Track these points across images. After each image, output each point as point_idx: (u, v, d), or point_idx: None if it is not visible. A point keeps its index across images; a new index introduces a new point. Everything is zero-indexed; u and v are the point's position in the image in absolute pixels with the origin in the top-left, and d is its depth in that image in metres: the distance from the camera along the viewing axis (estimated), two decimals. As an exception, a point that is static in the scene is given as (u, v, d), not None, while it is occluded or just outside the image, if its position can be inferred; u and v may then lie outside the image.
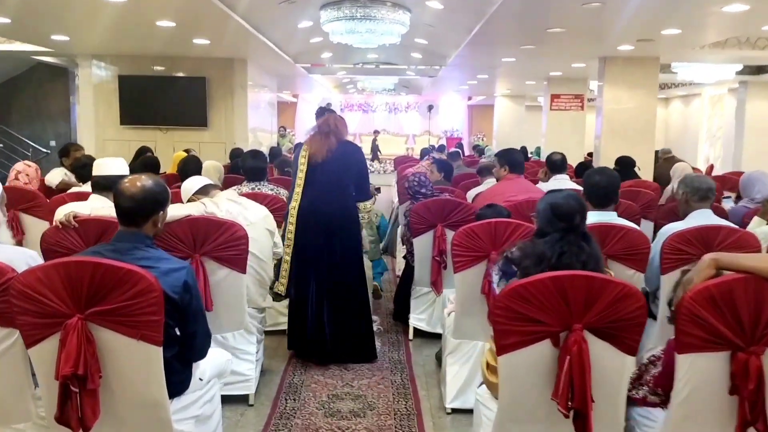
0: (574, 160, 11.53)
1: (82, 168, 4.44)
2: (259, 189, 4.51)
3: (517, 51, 8.11)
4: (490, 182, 5.27)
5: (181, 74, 9.45)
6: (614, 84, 8.61)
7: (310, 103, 19.99)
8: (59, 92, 11.72)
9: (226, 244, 3.12)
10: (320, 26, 7.32)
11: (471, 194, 5.16)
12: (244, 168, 4.59)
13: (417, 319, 4.50)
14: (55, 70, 11.40)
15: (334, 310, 3.80)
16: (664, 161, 8.97)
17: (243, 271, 3.20)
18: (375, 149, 17.85)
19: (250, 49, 8.70)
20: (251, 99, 9.89)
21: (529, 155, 12.53)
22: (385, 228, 6.68)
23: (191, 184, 3.41)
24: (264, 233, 3.42)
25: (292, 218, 3.80)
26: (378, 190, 5.86)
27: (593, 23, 6.23)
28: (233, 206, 3.34)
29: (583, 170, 6.48)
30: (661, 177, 7.77)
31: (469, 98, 20.71)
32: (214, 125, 9.57)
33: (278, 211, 4.25)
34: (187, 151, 7.50)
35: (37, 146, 11.55)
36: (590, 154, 15.87)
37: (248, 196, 4.11)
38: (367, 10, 6.81)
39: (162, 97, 9.37)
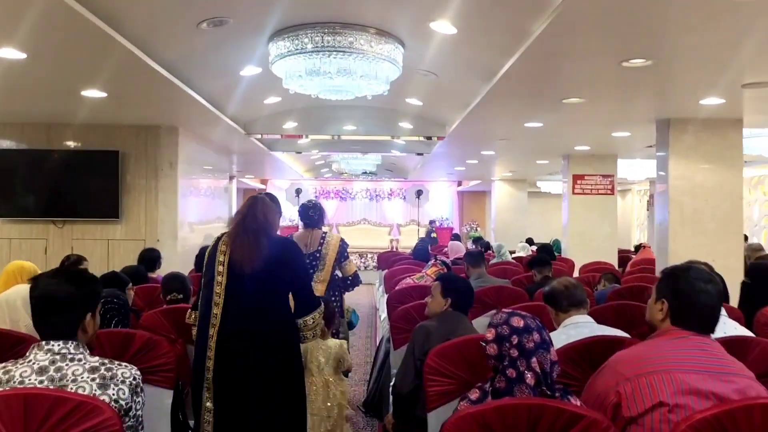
0: (606, 256, 9.10)
1: None
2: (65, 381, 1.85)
3: (553, 108, 5.72)
4: (581, 324, 2.65)
5: (82, 147, 6.90)
6: (684, 156, 6.22)
7: (281, 190, 17.53)
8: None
9: None
10: (272, 73, 4.87)
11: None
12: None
13: None
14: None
15: None
16: (755, 261, 6.49)
17: None
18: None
19: (177, 110, 6.23)
20: (187, 182, 7.33)
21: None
22: (355, 323, 4.77)
23: None
24: None
25: (210, 350, 2.54)
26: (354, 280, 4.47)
27: (708, 48, 3.85)
28: None
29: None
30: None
31: (459, 183, 18.49)
32: (129, 216, 6.93)
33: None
34: (72, 261, 4.83)
35: None
36: (639, 247, 13.48)
37: None
38: (339, 39, 4.39)
39: (56, 179, 6.77)
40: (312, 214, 4.21)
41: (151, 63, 4.47)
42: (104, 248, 6.91)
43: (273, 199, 2.88)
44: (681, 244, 6.16)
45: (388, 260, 8.94)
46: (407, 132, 8.13)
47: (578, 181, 9.36)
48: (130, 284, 3.74)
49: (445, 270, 4.78)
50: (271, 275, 2.58)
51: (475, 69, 5.00)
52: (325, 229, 4.50)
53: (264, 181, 18.14)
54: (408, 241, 17.80)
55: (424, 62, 5.13)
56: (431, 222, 15.88)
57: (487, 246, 10.14)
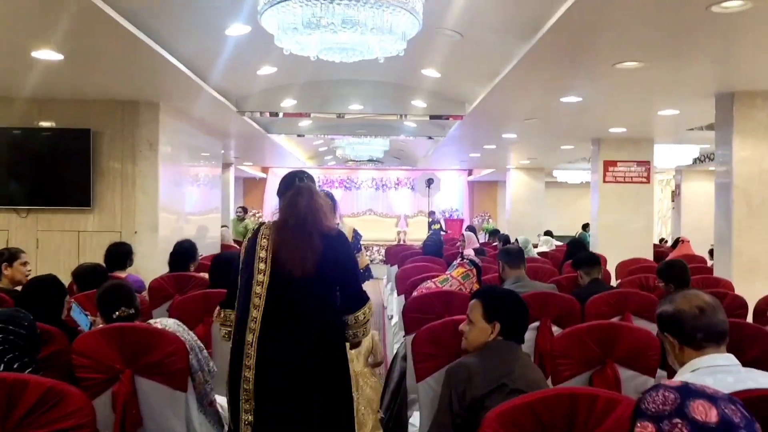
0: (641, 251, 8.18)
1: None
2: None
3: (601, 75, 4.78)
4: (723, 368, 1.71)
5: (49, 125, 5.99)
6: (751, 136, 5.26)
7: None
8: None
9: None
10: (264, 33, 3.93)
11: None
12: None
13: None
14: None
15: None
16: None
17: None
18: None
19: (153, 79, 5.30)
20: (170, 166, 6.42)
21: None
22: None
23: None
24: None
25: (249, 358, 2.25)
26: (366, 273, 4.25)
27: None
28: None
29: None
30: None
31: (469, 173, 17.54)
32: (103, 205, 6.03)
33: None
34: (6, 257, 3.92)
35: None
36: (663, 241, 12.55)
37: None
38: (345, -21, 3.46)
39: (18, 161, 5.90)
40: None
41: (109, 11, 3.55)
42: (74, 241, 6.02)
43: (312, 181, 2.51)
44: (747, 240, 5.23)
45: (397, 255, 8.03)
46: (420, 111, 7.19)
47: (610, 168, 8.42)
48: (68, 296, 2.84)
49: (474, 271, 3.86)
50: (320, 275, 2.31)
51: (514, 23, 4.05)
52: (337, 220, 4.14)
53: (265, 170, 17.21)
54: (416, 233, 16.85)
55: (449, 17, 4.19)
56: (431, 213, 14.42)
57: (506, 239, 9.21)
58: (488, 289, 2.52)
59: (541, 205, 13.59)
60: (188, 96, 5.77)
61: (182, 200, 6.89)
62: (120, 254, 4.67)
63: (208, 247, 8.03)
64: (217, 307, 2.61)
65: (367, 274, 4.21)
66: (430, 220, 13.09)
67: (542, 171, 13.64)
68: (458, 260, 3.94)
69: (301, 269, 2.25)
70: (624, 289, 3.99)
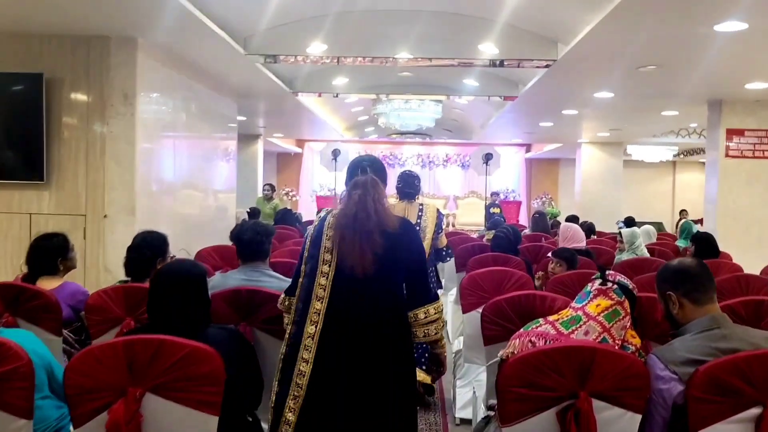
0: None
1: None
2: None
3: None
4: None
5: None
6: None
7: (317, 153, 14.83)
8: None
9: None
10: None
11: None
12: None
13: None
14: None
15: None
16: None
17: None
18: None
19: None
20: (153, 128, 4.81)
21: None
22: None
23: None
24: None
25: (308, 351, 2.22)
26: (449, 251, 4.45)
27: None
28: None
29: None
30: None
31: (527, 149, 15.61)
32: (62, 179, 4.46)
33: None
34: None
35: None
36: None
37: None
38: None
39: (-54, 117, 4.38)
40: (417, 185, 4.12)
41: None
42: (25, 227, 4.48)
43: (379, 169, 2.34)
44: None
45: (454, 247, 6.24)
46: (492, 57, 5.35)
47: (734, 139, 6.46)
48: None
49: (626, 305, 2.10)
50: (383, 273, 2.21)
51: None
52: (419, 201, 4.20)
53: (300, 143, 15.58)
54: (466, 217, 15.10)
55: None
56: (494, 194, 12.32)
57: (591, 229, 7.36)
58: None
59: (618, 186, 11.68)
60: (171, 24, 4.08)
61: (177, 174, 5.29)
62: (46, 252, 3.09)
63: (220, 232, 6.48)
64: (282, 294, 2.43)
65: (446, 253, 4.28)
66: (489, 202, 11.19)
67: (621, 146, 11.69)
68: (596, 284, 2.17)
69: (362, 268, 2.18)
70: None
